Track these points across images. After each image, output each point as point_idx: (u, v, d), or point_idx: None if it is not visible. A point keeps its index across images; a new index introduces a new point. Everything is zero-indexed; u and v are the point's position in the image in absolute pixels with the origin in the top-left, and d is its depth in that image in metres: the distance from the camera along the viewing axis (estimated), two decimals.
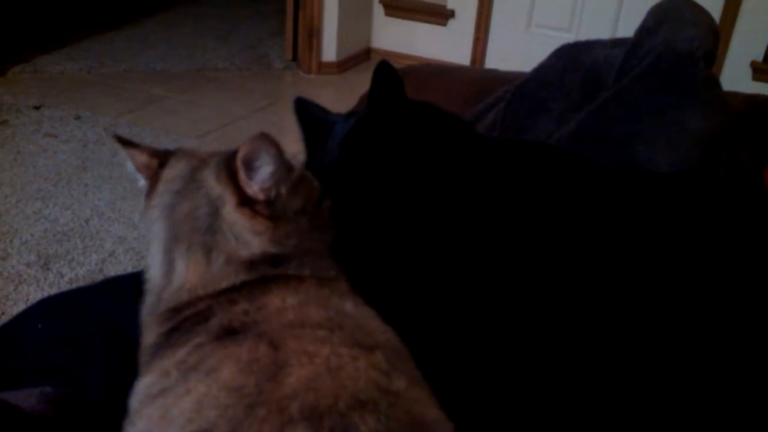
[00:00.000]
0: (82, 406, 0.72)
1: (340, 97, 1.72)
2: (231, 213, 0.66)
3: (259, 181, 0.67)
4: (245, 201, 0.66)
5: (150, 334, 0.66)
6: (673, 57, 1.08)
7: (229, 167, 0.67)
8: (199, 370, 0.57)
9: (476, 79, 1.54)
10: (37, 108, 3.19)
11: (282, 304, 0.63)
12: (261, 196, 0.67)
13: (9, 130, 2.96)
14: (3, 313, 1.93)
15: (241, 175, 0.67)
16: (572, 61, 1.25)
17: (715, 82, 1.12)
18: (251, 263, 0.66)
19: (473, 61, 3.84)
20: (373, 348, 0.61)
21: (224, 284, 0.65)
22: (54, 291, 2.02)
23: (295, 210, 0.70)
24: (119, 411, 0.61)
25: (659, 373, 0.72)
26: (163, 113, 3.30)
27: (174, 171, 0.71)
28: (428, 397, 0.61)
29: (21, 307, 1.95)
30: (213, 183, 0.68)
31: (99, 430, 0.64)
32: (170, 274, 0.68)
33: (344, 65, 3.91)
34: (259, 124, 3.23)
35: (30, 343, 0.87)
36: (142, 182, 0.75)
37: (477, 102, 1.36)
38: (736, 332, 0.74)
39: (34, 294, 2.01)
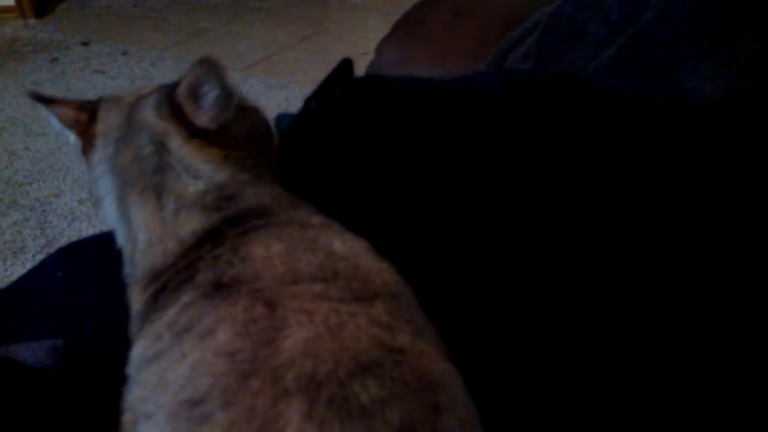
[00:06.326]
0: (92, 359, 0.72)
1: (386, 24, 1.65)
2: (180, 147, 0.64)
3: (207, 109, 0.65)
4: (196, 133, 0.65)
5: (135, 301, 0.64)
6: None
7: (171, 101, 0.65)
8: (193, 332, 0.55)
9: (515, 2, 1.44)
10: (85, 44, 3.22)
11: (267, 252, 0.59)
12: (212, 125, 0.65)
13: (59, 68, 3.00)
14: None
15: (187, 107, 0.65)
16: None
17: None
18: (203, 203, 0.64)
19: None
20: (371, 299, 0.57)
21: (184, 232, 0.63)
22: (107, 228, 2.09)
23: (243, 135, 0.68)
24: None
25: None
26: (208, 45, 3.28)
27: (108, 121, 0.70)
28: (434, 346, 0.58)
29: None
30: (154, 120, 0.66)
31: (105, 382, 0.64)
32: (130, 229, 0.66)
33: None
34: (305, 53, 3.18)
35: (49, 291, 0.88)
36: (73, 138, 0.74)
37: (515, 27, 1.27)
38: None
39: (86, 230, 2.07)
